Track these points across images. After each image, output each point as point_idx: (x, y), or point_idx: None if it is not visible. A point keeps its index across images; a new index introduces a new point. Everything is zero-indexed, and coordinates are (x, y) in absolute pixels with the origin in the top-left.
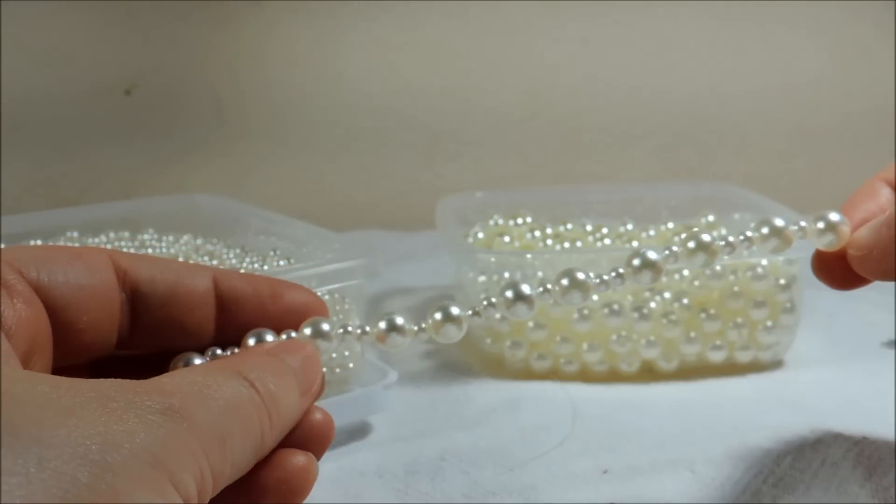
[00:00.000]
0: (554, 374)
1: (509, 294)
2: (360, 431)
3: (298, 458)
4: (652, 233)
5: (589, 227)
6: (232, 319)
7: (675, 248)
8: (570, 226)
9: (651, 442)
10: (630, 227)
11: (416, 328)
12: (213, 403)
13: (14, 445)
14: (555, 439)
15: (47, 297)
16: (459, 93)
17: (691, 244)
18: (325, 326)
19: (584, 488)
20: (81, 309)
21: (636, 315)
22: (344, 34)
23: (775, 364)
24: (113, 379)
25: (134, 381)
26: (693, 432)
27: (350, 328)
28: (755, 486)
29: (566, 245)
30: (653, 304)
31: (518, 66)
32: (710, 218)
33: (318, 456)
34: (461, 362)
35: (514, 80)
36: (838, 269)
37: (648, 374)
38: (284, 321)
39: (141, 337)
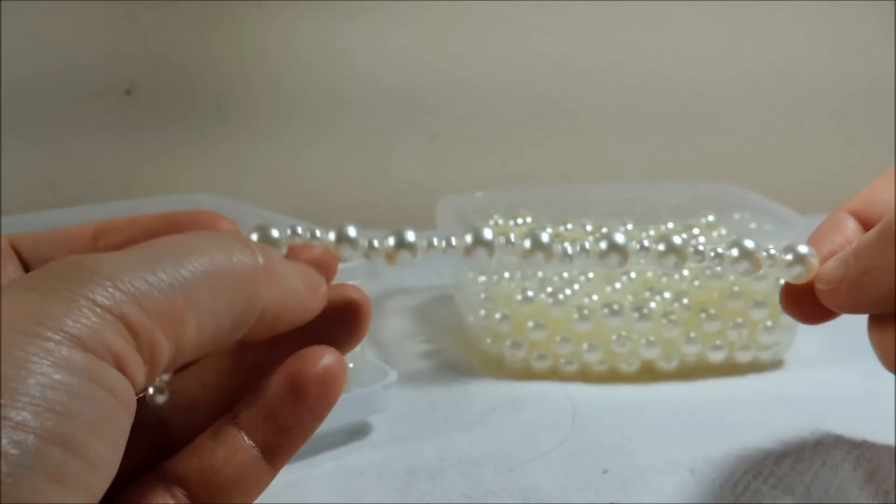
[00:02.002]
0: (554, 374)
1: (468, 238)
2: (360, 431)
3: (327, 358)
4: (652, 233)
5: (589, 227)
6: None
7: (645, 244)
8: (570, 226)
9: (651, 442)
10: (630, 227)
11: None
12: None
13: None
14: (555, 439)
15: None
16: (459, 92)
17: (661, 246)
18: (274, 232)
19: (584, 488)
20: None
21: (636, 315)
22: (344, 34)
23: (775, 364)
24: None
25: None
26: (693, 432)
27: (300, 230)
28: (755, 487)
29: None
30: (653, 304)
31: (518, 66)
32: (711, 218)
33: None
34: (461, 362)
35: (514, 79)
36: (807, 303)
37: (648, 374)
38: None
39: None
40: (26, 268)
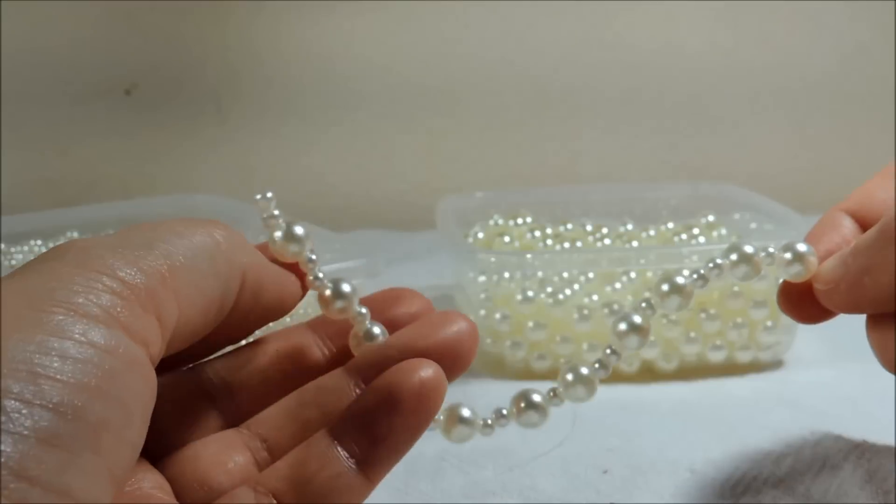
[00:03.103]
0: (555, 374)
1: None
2: None
3: (426, 370)
4: (652, 233)
5: (589, 227)
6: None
7: (648, 296)
8: (570, 226)
9: (651, 442)
10: (630, 227)
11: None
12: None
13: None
14: (555, 439)
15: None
16: (460, 92)
17: (665, 287)
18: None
19: (584, 488)
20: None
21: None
22: (344, 34)
23: (775, 364)
24: None
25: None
26: (693, 432)
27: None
28: (755, 487)
29: (566, 245)
30: None
31: (518, 66)
32: (711, 218)
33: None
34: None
35: (513, 79)
36: (805, 303)
37: (648, 374)
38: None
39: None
40: None
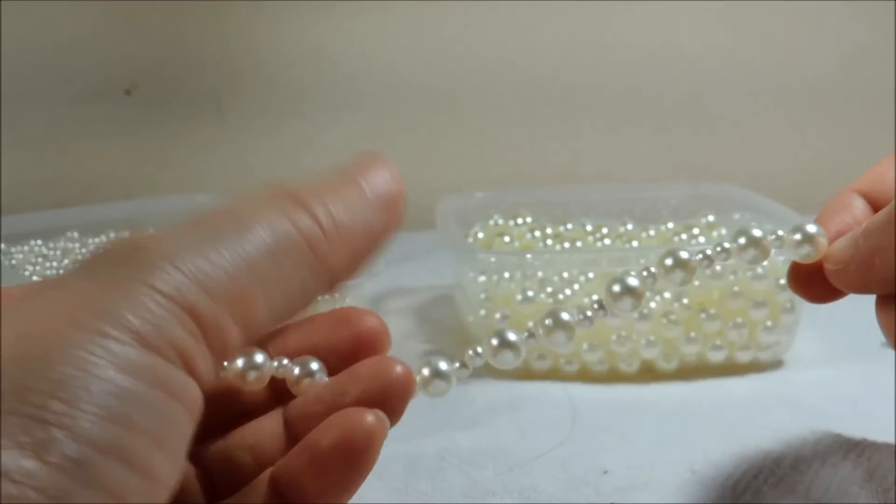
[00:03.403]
0: (555, 374)
1: (548, 322)
2: None
3: (366, 417)
4: (652, 233)
5: (589, 227)
6: None
7: (652, 269)
8: (570, 226)
9: (651, 442)
10: (630, 227)
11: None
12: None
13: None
14: (555, 439)
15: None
16: (460, 92)
17: (668, 261)
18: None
19: (584, 488)
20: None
21: (636, 315)
22: (344, 34)
23: (775, 364)
24: None
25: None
26: (693, 432)
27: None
28: (755, 487)
29: (566, 245)
30: (653, 304)
31: (518, 66)
32: (711, 218)
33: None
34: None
35: (513, 79)
36: (815, 283)
37: (648, 374)
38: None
39: None
40: None
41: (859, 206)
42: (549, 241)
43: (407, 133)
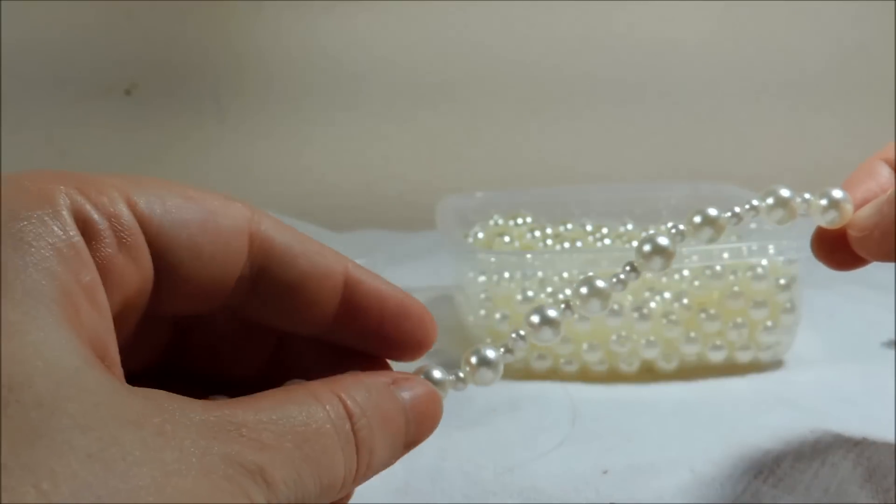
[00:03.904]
0: (555, 374)
1: (535, 318)
2: None
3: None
4: (653, 232)
5: (589, 227)
6: (348, 326)
7: (681, 227)
8: (570, 226)
9: (651, 442)
10: (630, 227)
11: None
12: (301, 463)
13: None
14: (555, 439)
15: (156, 239)
16: (460, 92)
17: (697, 219)
18: (437, 374)
19: (584, 488)
20: (196, 264)
21: (636, 315)
22: (344, 34)
23: (775, 364)
24: (202, 404)
25: (226, 412)
26: (693, 432)
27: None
28: (755, 487)
29: (566, 245)
30: (653, 304)
31: (518, 66)
32: None
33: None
34: (461, 362)
35: (513, 79)
36: (838, 250)
37: (648, 374)
38: (394, 345)
39: (243, 310)
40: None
41: (885, 175)
42: (549, 241)
43: (407, 132)
